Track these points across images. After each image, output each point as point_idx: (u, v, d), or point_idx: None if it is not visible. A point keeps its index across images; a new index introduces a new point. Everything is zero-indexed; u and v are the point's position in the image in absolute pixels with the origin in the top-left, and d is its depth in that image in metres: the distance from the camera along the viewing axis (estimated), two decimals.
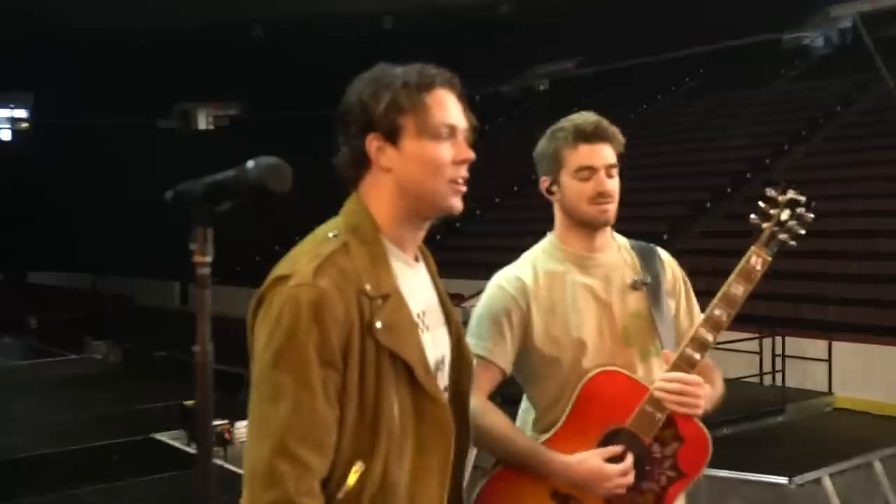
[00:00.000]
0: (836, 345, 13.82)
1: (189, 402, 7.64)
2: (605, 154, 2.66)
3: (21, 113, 49.08)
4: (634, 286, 2.67)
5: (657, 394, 2.49)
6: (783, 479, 6.89)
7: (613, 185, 2.67)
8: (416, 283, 1.97)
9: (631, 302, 2.67)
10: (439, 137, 1.89)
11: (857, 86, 23.32)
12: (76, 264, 32.80)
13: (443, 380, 2.01)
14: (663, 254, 2.81)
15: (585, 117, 2.71)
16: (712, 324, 2.51)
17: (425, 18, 43.95)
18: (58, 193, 35.52)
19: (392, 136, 1.87)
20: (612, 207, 2.67)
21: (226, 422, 7.86)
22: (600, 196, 2.64)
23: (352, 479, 1.78)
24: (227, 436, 7.70)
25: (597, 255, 2.71)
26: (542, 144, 2.76)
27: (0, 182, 36.78)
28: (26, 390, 12.05)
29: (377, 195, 1.90)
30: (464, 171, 1.92)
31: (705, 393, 2.46)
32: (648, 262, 2.75)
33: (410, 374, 1.83)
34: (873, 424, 11.96)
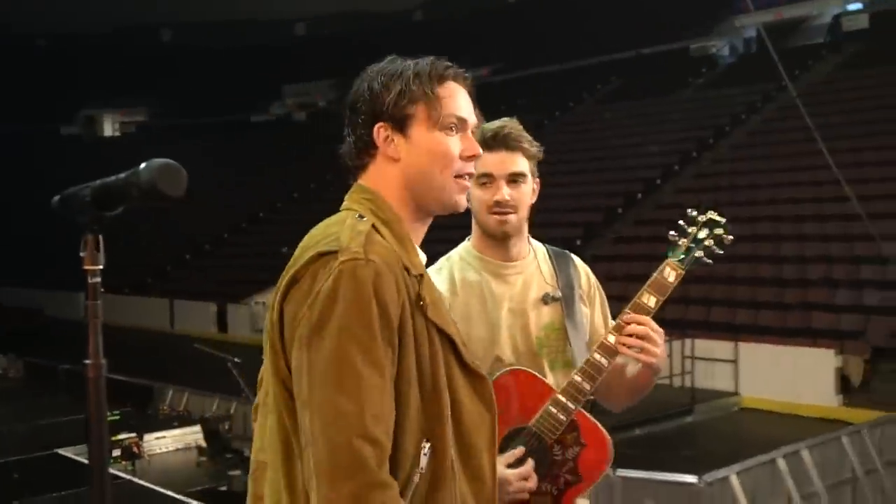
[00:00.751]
0: (743, 346, 14.13)
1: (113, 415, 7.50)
2: (507, 162, 2.61)
3: None
4: (545, 301, 2.65)
5: (616, 339, 2.46)
6: (693, 479, 6.97)
7: (516, 194, 2.61)
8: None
9: (545, 313, 2.64)
10: (449, 129, 1.84)
11: (763, 94, 23.77)
12: None
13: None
14: (578, 261, 2.76)
15: (491, 124, 2.64)
16: (620, 331, 2.49)
17: (340, 26, 43.93)
18: None
19: (401, 125, 1.83)
20: (513, 218, 2.61)
21: (133, 435, 7.66)
22: (497, 205, 2.60)
23: (423, 459, 1.71)
24: (135, 449, 7.48)
25: (512, 265, 2.67)
26: None
27: None
28: None
29: (384, 185, 1.85)
30: (471, 168, 1.89)
31: (662, 350, 2.43)
32: (563, 268, 2.72)
33: (455, 350, 1.79)
34: (778, 422, 12.20)
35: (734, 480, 7.19)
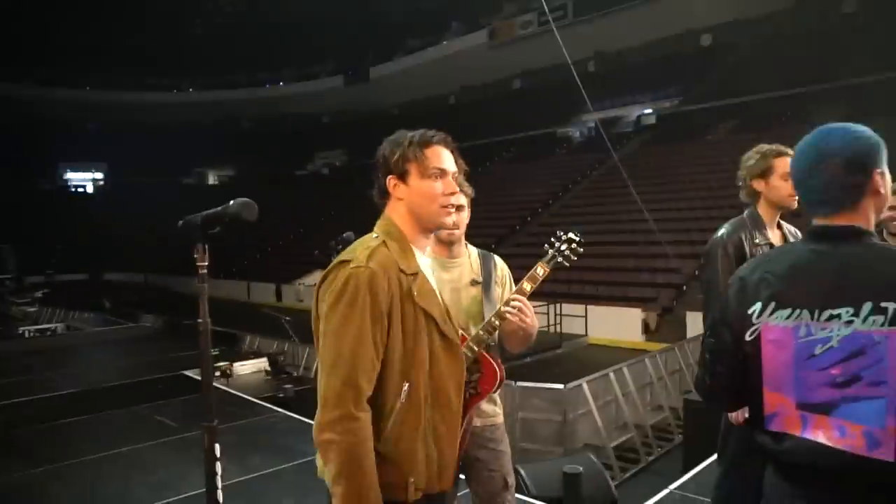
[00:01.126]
0: (589, 307, 14.27)
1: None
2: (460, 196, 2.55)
3: None
4: (472, 283, 2.59)
5: (504, 309, 2.36)
6: (560, 386, 7.00)
7: (458, 219, 2.52)
8: (426, 268, 1.87)
9: (472, 292, 2.58)
10: (433, 177, 1.80)
11: (598, 160, 23.82)
12: (133, 267, 31.55)
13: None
14: (497, 258, 2.72)
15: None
16: (507, 304, 2.41)
17: (352, 116, 43.54)
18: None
19: (403, 176, 1.80)
20: (457, 233, 2.58)
21: (226, 363, 7.60)
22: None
23: (403, 395, 1.69)
24: (228, 371, 7.44)
25: (452, 261, 2.61)
26: None
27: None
28: (103, 345, 11.50)
29: (398, 215, 1.81)
30: (452, 200, 1.84)
31: (533, 320, 2.35)
32: (486, 264, 2.65)
33: (436, 325, 1.75)
34: (609, 352, 12.29)
35: (585, 386, 7.22)
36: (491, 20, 36.66)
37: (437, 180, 1.81)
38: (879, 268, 1.43)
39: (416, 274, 1.73)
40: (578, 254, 2.37)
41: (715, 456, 2.85)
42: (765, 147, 2.88)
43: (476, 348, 2.41)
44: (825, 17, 25.02)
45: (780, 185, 2.79)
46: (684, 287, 14.23)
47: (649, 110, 28.25)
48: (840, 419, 1.41)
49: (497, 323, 2.38)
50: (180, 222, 1.89)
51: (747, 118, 22.20)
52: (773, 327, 1.52)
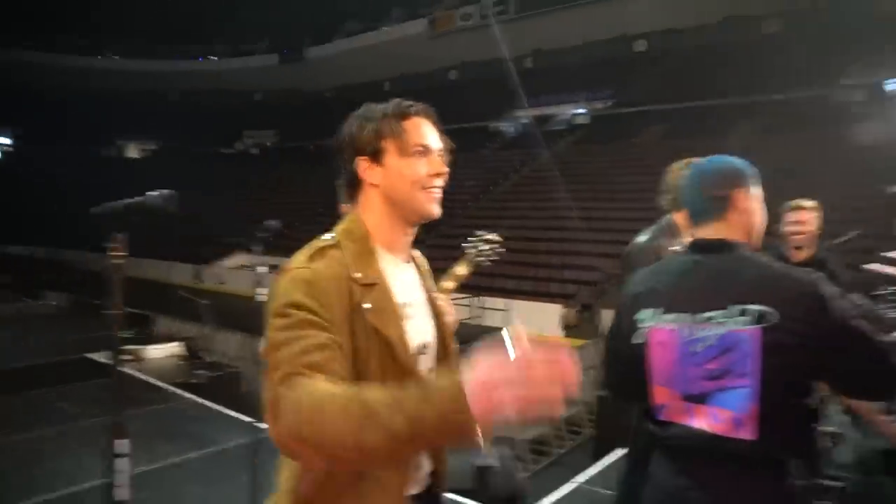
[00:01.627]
0: (512, 301, 14.50)
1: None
2: None
3: None
4: None
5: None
6: None
7: None
8: (403, 279, 1.53)
9: None
10: (415, 155, 1.50)
11: (528, 155, 24.09)
12: (39, 240, 29.99)
13: (425, 363, 1.52)
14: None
15: None
16: None
17: (286, 98, 42.57)
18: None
19: (376, 156, 1.49)
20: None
21: (138, 347, 7.37)
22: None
23: None
24: (138, 355, 7.23)
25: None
26: None
27: None
28: (5, 322, 10.91)
29: (370, 208, 1.50)
30: (438, 182, 1.54)
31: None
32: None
33: (393, 351, 1.41)
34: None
35: None
36: (432, 10, 36.54)
37: (420, 158, 1.51)
38: (745, 274, 1.69)
39: (374, 284, 1.42)
40: (499, 254, 2.39)
41: (622, 451, 2.98)
42: (695, 160, 3.01)
43: None
44: (748, 35, 26.14)
45: None
46: (605, 285, 14.66)
47: (582, 110, 28.82)
48: (714, 406, 1.65)
49: None
50: (97, 208, 1.71)
51: (675, 125, 22.99)
52: (661, 330, 1.75)
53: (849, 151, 15.82)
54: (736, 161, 1.83)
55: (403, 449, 1.09)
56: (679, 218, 3.02)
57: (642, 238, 2.97)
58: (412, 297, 1.54)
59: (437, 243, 19.03)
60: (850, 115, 18.45)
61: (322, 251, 1.41)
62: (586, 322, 13.83)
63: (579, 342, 10.77)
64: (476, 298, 13.98)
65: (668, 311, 1.74)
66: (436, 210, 1.55)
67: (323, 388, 1.14)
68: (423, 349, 1.51)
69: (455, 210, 21.76)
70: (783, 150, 17.55)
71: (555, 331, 13.85)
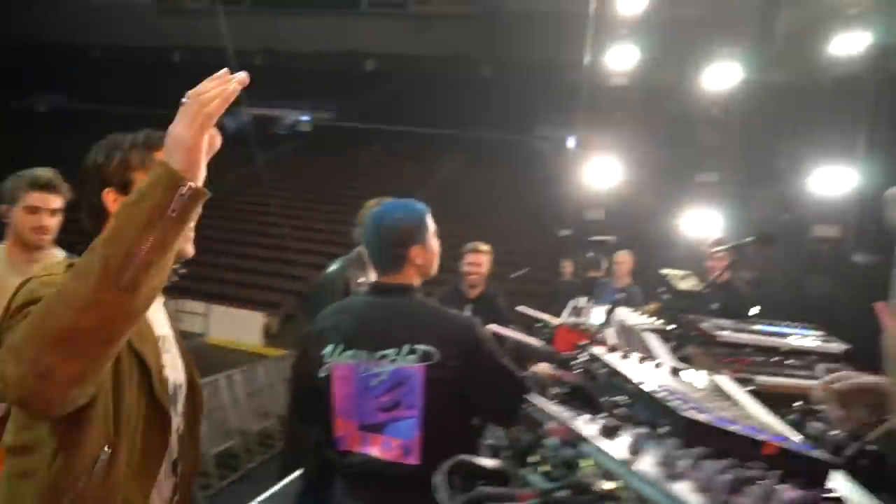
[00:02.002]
0: (211, 306, 13.96)
1: None
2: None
3: None
4: None
5: None
6: None
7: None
8: (156, 315, 1.51)
9: None
10: None
11: (247, 156, 23.42)
12: None
13: (179, 404, 1.47)
14: None
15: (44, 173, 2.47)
16: None
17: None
18: None
19: (125, 188, 1.40)
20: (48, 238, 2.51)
21: None
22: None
23: (101, 463, 1.23)
24: None
25: (38, 266, 2.42)
26: None
27: None
28: None
29: None
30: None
31: None
32: None
33: (149, 382, 1.32)
34: (229, 353, 12.17)
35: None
36: None
37: None
38: (416, 317, 1.93)
39: None
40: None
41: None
42: (370, 201, 3.26)
43: None
44: (468, 73, 28.67)
45: None
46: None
47: (307, 118, 28.88)
48: (387, 436, 1.85)
49: None
50: None
51: (393, 146, 24.18)
52: (342, 365, 1.93)
53: (534, 194, 18.13)
54: (415, 212, 2.06)
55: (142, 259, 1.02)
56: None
57: (333, 268, 3.14)
58: (165, 334, 1.53)
59: None
60: (538, 162, 21.16)
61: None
62: (288, 332, 13.84)
63: (280, 352, 10.75)
64: (174, 301, 13.17)
65: (348, 347, 1.92)
66: (190, 250, 1.46)
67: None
68: (178, 390, 1.49)
69: None
70: (483, 184, 19.51)
71: (256, 338, 13.63)
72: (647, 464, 0.61)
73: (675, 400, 1.08)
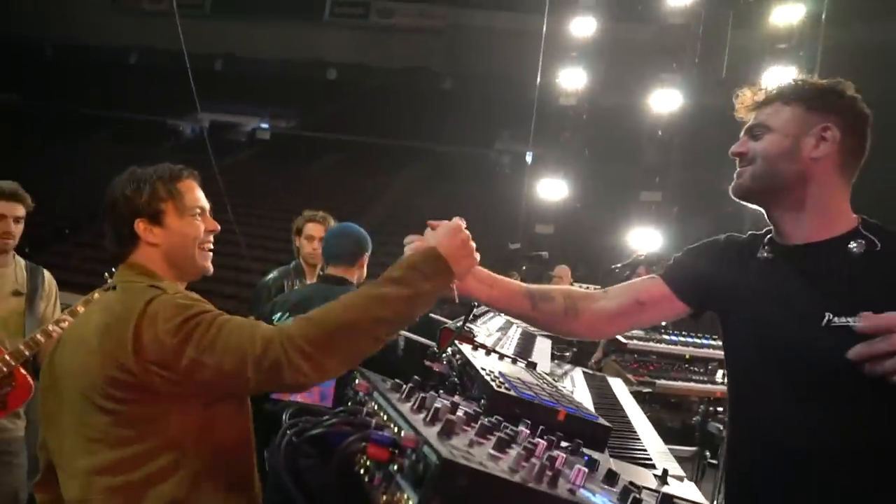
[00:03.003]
0: None
1: None
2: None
3: None
4: (15, 294, 2.61)
5: (52, 328, 2.46)
6: None
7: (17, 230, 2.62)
8: None
9: (13, 302, 2.61)
10: (194, 216, 1.63)
11: (204, 162, 23.34)
12: None
13: None
14: (46, 273, 2.77)
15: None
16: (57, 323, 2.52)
17: None
18: None
19: (156, 218, 1.59)
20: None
21: None
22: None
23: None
24: None
25: None
26: None
27: None
28: None
29: (150, 263, 1.60)
30: (210, 238, 1.67)
31: None
32: (34, 276, 2.69)
33: None
34: None
35: None
36: None
37: (198, 218, 1.65)
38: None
39: None
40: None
41: None
42: (306, 211, 3.57)
43: (13, 363, 2.44)
44: (428, 86, 29.08)
45: (304, 244, 3.50)
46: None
47: (266, 126, 28.94)
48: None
49: (42, 340, 2.47)
50: None
51: (351, 157, 24.41)
52: None
53: (490, 208, 18.55)
54: (363, 232, 2.95)
55: (408, 311, 1.40)
56: (305, 265, 3.56)
57: (271, 275, 3.45)
58: None
59: (88, 241, 17.47)
60: (497, 176, 21.61)
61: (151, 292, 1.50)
62: None
63: None
64: None
65: (291, 314, 2.51)
66: (210, 266, 1.69)
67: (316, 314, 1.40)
68: None
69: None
70: (440, 197, 19.87)
71: None
72: (409, 408, 0.92)
73: (495, 379, 1.42)
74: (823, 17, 9.19)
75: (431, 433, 0.77)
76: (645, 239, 10.31)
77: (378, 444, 0.77)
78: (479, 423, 0.93)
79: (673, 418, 4.27)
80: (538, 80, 12.44)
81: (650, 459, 1.85)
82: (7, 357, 2.45)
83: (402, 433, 0.79)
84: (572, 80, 11.78)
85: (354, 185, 20.84)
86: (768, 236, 1.54)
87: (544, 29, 12.12)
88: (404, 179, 22.54)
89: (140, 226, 1.59)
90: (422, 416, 0.87)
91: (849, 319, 1.29)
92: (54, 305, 2.77)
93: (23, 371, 2.49)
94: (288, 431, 0.85)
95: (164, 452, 1.40)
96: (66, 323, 2.45)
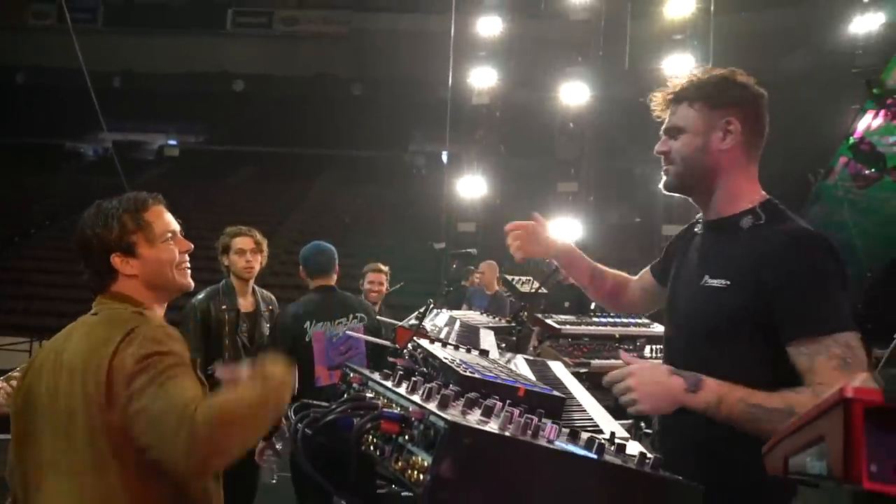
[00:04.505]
0: None
1: None
2: None
3: None
4: None
5: None
6: None
7: None
8: None
9: None
10: (166, 241, 1.69)
11: (112, 185, 22.51)
12: None
13: None
14: None
15: None
16: None
17: None
18: None
19: (129, 250, 1.64)
20: None
21: None
22: None
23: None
24: None
25: None
26: None
27: None
28: None
29: (132, 292, 1.65)
30: (186, 257, 1.73)
31: None
32: None
33: None
34: None
35: None
36: None
37: (170, 243, 1.71)
38: (349, 300, 3.65)
39: None
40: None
41: None
42: (228, 228, 3.63)
43: None
44: (337, 92, 29.00)
45: (235, 260, 3.55)
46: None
47: (173, 142, 28.19)
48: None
49: None
50: None
51: (265, 168, 24.09)
52: (317, 333, 3.40)
53: (410, 209, 18.74)
54: (331, 246, 3.65)
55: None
56: (233, 279, 3.59)
57: (198, 298, 3.47)
58: None
59: None
60: (413, 177, 21.83)
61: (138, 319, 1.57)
62: None
63: None
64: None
65: (318, 321, 3.41)
66: (190, 282, 1.76)
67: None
68: None
69: (13, 239, 19.20)
70: (357, 201, 19.90)
71: None
72: (405, 388, 1.08)
73: (459, 366, 1.59)
74: (712, 8, 9.83)
75: (432, 407, 0.93)
76: (564, 228, 10.72)
77: (390, 420, 0.93)
78: (465, 397, 1.09)
79: (607, 397, 4.59)
80: (450, 80, 12.70)
81: (597, 426, 2.06)
82: None
83: (410, 409, 0.95)
84: (483, 78, 12.09)
85: (271, 196, 20.59)
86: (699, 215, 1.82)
87: (452, 29, 12.39)
88: (321, 186, 22.46)
89: (116, 260, 1.65)
90: (417, 395, 1.03)
91: (720, 281, 1.58)
92: None
93: None
94: (299, 424, 0.99)
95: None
96: (15, 381, 2.44)
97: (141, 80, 30.45)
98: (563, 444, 0.96)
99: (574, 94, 11.47)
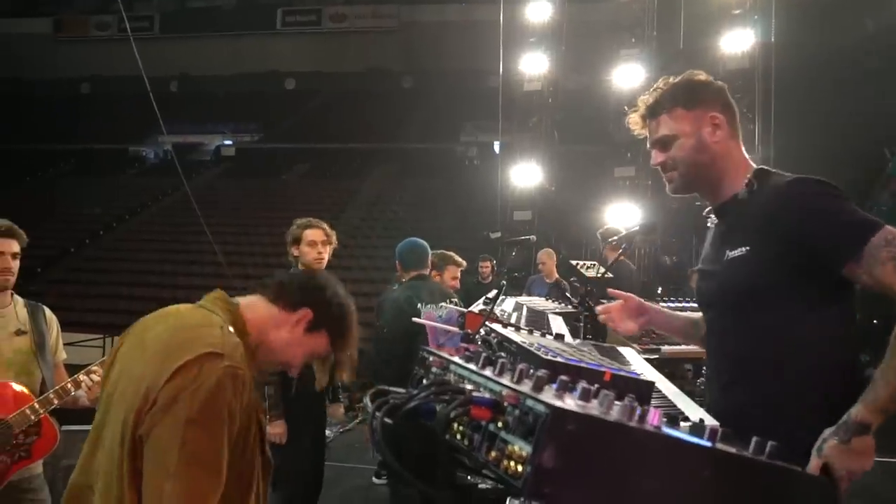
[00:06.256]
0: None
1: None
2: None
3: None
4: (18, 333, 2.57)
5: (82, 378, 2.46)
6: None
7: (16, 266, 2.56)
8: None
9: (17, 341, 2.55)
10: (327, 360, 1.77)
11: (172, 186, 22.96)
12: None
13: None
14: (46, 310, 2.74)
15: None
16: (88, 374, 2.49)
17: None
18: None
19: (317, 330, 1.69)
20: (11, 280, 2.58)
21: None
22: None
23: None
24: None
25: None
26: None
27: None
28: None
29: (254, 322, 1.65)
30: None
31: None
32: (35, 315, 2.65)
33: (262, 438, 1.56)
34: None
35: None
36: (59, 9, 32.96)
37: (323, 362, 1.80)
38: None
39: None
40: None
41: None
42: (298, 220, 3.60)
43: (41, 411, 2.43)
44: (388, 86, 29.09)
45: (307, 251, 3.52)
46: None
47: (229, 142, 28.73)
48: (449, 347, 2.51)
49: (72, 390, 2.46)
50: None
51: (319, 164, 24.33)
52: (428, 313, 3.19)
53: (465, 199, 18.65)
54: (423, 241, 4.12)
55: None
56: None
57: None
58: None
59: (64, 277, 17.23)
60: (467, 167, 21.72)
61: (238, 348, 1.50)
62: None
63: None
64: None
65: (426, 303, 3.28)
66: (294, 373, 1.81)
67: None
68: None
69: (84, 240, 19.89)
70: (413, 193, 19.91)
71: None
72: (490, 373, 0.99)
73: (539, 349, 1.49)
74: None
75: (527, 390, 0.84)
76: (623, 214, 10.44)
77: (480, 406, 0.84)
78: (559, 380, 0.99)
79: (684, 384, 4.49)
80: (500, 68, 12.52)
81: (683, 413, 1.94)
82: (36, 405, 2.44)
83: (504, 393, 0.86)
84: (535, 65, 11.87)
85: (326, 191, 20.79)
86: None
87: (501, 17, 12.20)
88: (374, 181, 22.56)
89: (300, 320, 1.67)
90: (506, 378, 0.94)
91: (740, 250, 1.68)
92: (57, 342, 2.76)
93: (50, 420, 2.48)
94: (377, 413, 0.91)
95: None
96: (96, 374, 2.46)
97: (196, 83, 31.20)
98: (672, 431, 0.86)
99: (628, 76, 11.15)
